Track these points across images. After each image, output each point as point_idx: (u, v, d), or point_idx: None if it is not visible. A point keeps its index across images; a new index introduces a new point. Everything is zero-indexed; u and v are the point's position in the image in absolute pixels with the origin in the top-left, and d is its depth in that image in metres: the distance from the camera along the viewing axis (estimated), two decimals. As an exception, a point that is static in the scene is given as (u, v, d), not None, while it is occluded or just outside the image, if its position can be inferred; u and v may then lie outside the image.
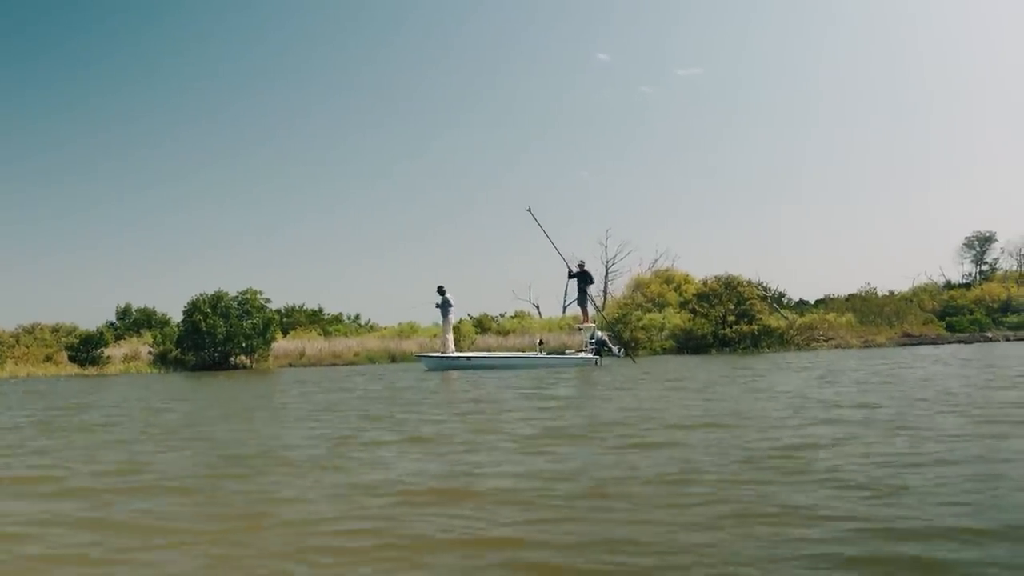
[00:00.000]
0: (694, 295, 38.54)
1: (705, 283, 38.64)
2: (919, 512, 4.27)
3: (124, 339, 39.26)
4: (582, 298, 28.36)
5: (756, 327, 35.29)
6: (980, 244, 57.47)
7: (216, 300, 33.51)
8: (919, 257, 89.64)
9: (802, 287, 78.62)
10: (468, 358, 26.94)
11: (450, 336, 27.66)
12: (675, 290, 43.51)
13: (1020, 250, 56.42)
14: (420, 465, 6.32)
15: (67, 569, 3.94)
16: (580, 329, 28.70)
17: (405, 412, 10.74)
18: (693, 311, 36.92)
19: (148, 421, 10.98)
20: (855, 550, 3.69)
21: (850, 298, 43.17)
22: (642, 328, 36.12)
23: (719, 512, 4.46)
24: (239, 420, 10.83)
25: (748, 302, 36.09)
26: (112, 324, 42.98)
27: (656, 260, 51.18)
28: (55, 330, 41.45)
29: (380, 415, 10.51)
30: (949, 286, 53.34)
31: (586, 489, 5.21)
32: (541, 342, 30.00)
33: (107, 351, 34.18)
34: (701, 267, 75.93)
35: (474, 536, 4.16)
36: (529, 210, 27.98)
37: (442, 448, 7.28)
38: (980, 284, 51.95)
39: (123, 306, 45.59)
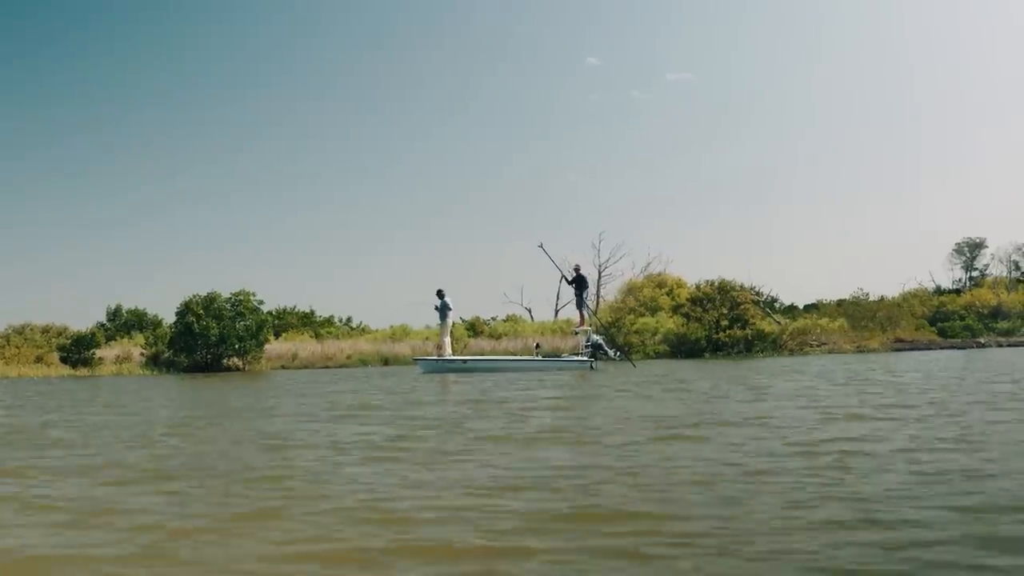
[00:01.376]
0: (688, 299, 38.54)
1: (699, 287, 38.67)
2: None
3: (115, 340, 39.08)
4: (579, 302, 28.48)
5: (749, 332, 35.34)
6: (970, 250, 57.75)
7: (209, 301, 33.33)
8: (909, 263, 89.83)
9: (792, 292, 78.65)
10: (464, 361, 27.06)
11: (447, 339, 27.71)
12: (667, 295, 43.49)
13: (1010, 256, 56.74)
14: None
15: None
16: (576, 332, 28.83)
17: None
18: (687, 315, 36.93)
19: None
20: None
21: (842, 303, 43.20)
22: (636, 332, 36.17)
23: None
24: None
25: (741, 307, 36.15)
26: (103, 325, 42.77)
27: (648, 264, 51.25)
28: (45, 331, 41.17)
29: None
30: (939, 292, 53.57)
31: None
32: (538, 346, 30.17)
33: (98, 352, 33.97)
34: (692, 271, 76.46)
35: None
36: (541, 246, 27.84)
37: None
38: (970, 290, 52.20)
39: (114, 307, 45.50)
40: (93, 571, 3.89)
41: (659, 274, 48.10)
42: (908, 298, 48.32)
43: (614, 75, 73.73)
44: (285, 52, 73.15)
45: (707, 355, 34.22)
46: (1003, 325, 44.45)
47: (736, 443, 6.99)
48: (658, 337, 36.79)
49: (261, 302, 34.47)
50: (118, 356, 34.61)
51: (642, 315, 39.61)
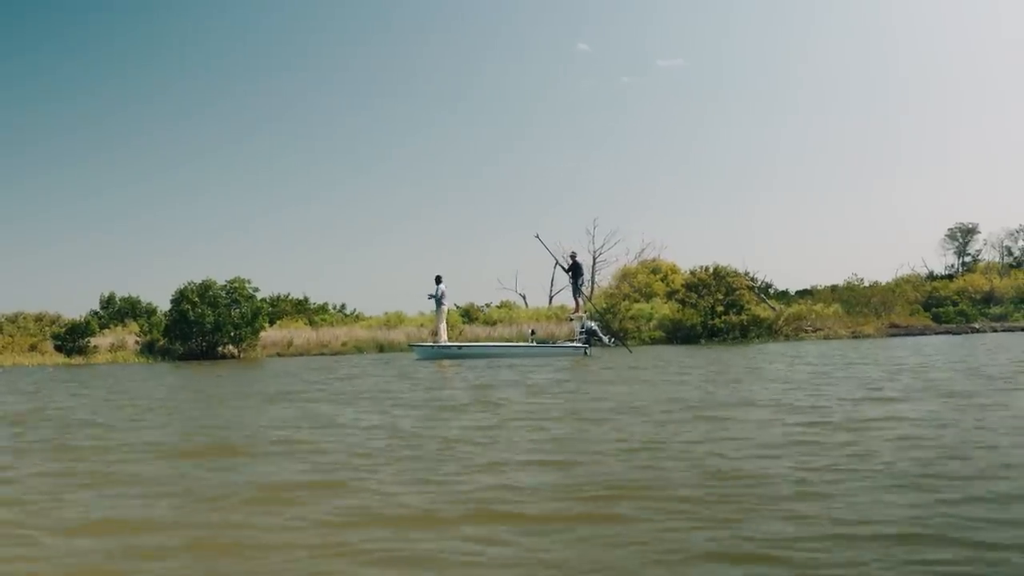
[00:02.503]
0: (683, 285, 38.54)
1: (694, 273, 38.66)
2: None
3: (109, 328, 38.91)
4: (574, 289, 28.67)
5: (745, 317, 35.34)
6: (963, 236, 57.88)
7: (204, 289, 33.20)
8: (902, 248, 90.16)
9: (783, 278, 78.63)
10: (459, 347, 27.29)
11: (443, 326, 27.88)
12: (662, 280, 43.49)
13: (1002, 242, 56.90)
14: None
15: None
16: (571, 319, 28.99)
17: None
18: (682, 301, 36.91)
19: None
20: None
21: (836, 289, 43.23)
22: (631, 318, 36.16)
23: None
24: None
25: (737, 292, 36.17)
26: (96, 313, 42.56)
27: (642, 250, 51.20)
28: (38, 319, 41.07)
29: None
30: (932, 277, 53.70)
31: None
32: (533, 332, 30.26)
33: (93, 340, 33.85)
34: (684, 257, 76.24)
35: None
36: (537, 236, 28.68)
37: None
38: (962, 275, 52.33)
39: (107, 295, 45.31)
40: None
41: (653, 260, 48.10)
42: (901, 283, 48.39)
43: (605, 62, 73.65)
44: (281, 44, 72.92)
45: (703, 341, 34.22)
46: (996, 310, 44.60)
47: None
48: (653, 323, 36.77)
49: (256, 289, 34.38)
50: (112, 344, 34.47)
51: (637, 301, 39.61)
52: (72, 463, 6.86)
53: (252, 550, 4.10)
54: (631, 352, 26.01)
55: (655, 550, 3.92)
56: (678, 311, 36.48)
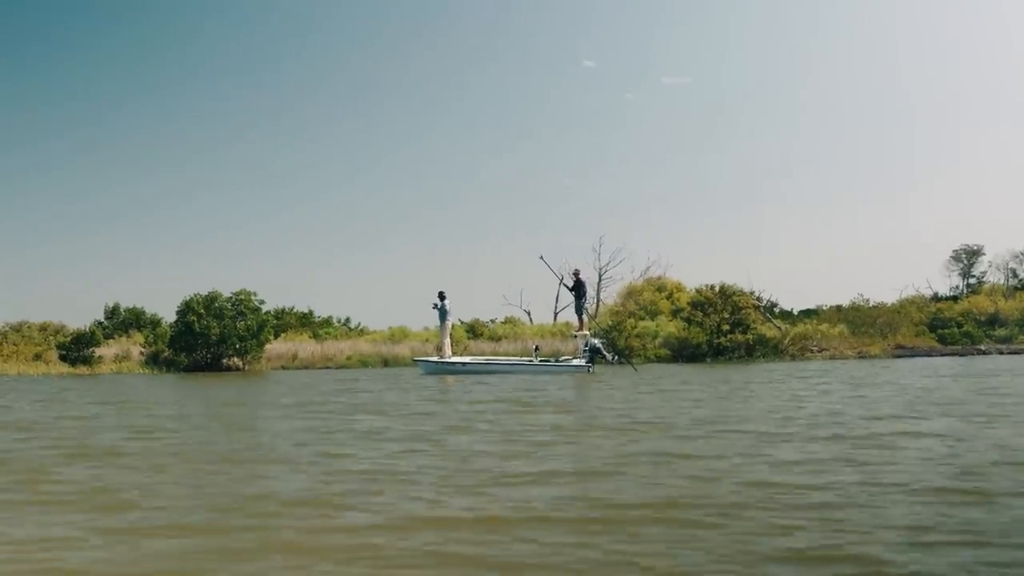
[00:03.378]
0: (689, 303, 38.49)
1: (700, 291, 38.60)
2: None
3: (113, 338, 38.88)
4: (578, 306, 28.93)
5: (751, 336, 35.24)
6: (968, 257, 57.78)
7: (210, 301, 33.18)
8: (906, 269, 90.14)
9: (786, 297, 78.50)
10: (464, 363, 27.40)
11: (447, 341, 28.13)
12: (667, 298, 43.43)
13: (1007, 264, 56.81)
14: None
15: None
16: (576, 336, 29.09)
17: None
18: (688, 320, 36.86)
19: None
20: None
21: (841, 309, 43.13)
22: (637, 336, 36.06)
23: None
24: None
25: (743, 311, 36.09)
26: (100, 323, 42.55)
27: (648, 268, 51.09)
28: (43, 328, 41.04)
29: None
30: (936, 298, 53.54)
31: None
32: (537, 348, 30.29)
33: (98, 351, 33.78)
34: (689, 275, 76.00)
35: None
36: (542, 258, 30.95)
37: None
38: (967, 297, 52.20)
39: (112, 305, 45.26)
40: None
41: (659, 278, 48.02)
42: (905, 304, 48.23)
43: (609, 78, 73.82)
44: (280, 50, 73.02)
45: (708, 360, 34.15)
46: (1000, 332, 44.47)
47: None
48: (658, 341, 36.69)
49: (262, 302, 34.33)
50: (117, 355, 34.43)
51: (642, 319, 39.54)
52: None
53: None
54: (636, 370, 26.00)
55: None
56: (684, 329, 36.41)
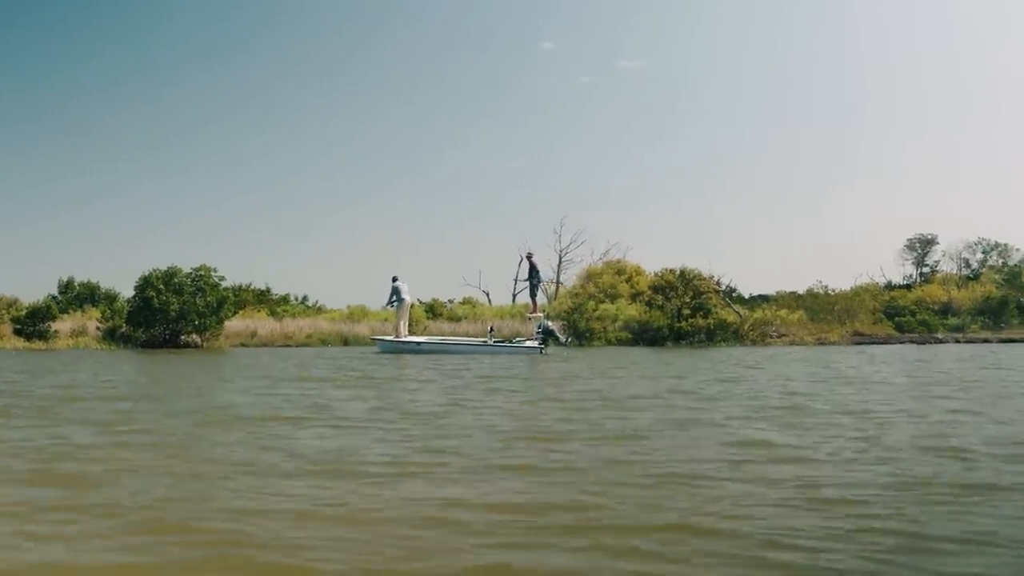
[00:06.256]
0: (650, 287, 38.65)
1: (661, 275, 38.76)
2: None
3: (67, 313, 38.20)
4: (532, 289, 29.53)
5: (712, 321, 35.45)
6: (921, 246, 58.73)
7: (169, 276, 32.65)
8: (860, 257, 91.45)
9: (741, 281, 79.15)
10: (418, 343, 27.76)
11: (402, 322, 28.37)
12: (626, 281, 43.53)
13: (960, 253, 57.77)
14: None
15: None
16: (530, 319, 29.50)
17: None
18: (649, 303, 37.01)
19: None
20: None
21: (799, 296, 43.49)
22: (597, 319, 36.12)
23: None
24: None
25: (704, 295, 36.30)
26: (54, 297, 41.76)
27: (607, 251, 51.20)
28: (-6, 301, 40.18)
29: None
30: (890, 287, 54.28)
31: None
32: (492, 329, 30.55)
33: (54, 325, 33.20)
34: (648, 259, 76.70)
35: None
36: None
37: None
38: (921, 286, 52.98)
39: (66, 279, 44.49)
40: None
41: (618, 261, 48.15)
42: (859, 292, 48.83)
43: (567, 60, 73.84)
44: (242, 33, 72.06)
45: (669, 343, 34.34)
46: (953, 321, 45.18)
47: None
48: (619, 324, 36.76)
49: (222, 278, 33.84)
50: (73, 329, 33.84)
51: (602, 301, 39.60)
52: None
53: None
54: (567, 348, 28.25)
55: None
56: (645, 313, 36.54)
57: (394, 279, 28.34)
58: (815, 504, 5.07)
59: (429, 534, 4.50)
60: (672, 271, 38.11)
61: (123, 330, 32.79)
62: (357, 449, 7.25)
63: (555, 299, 43.95)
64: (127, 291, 33.71)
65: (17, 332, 32.49)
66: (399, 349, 27.24)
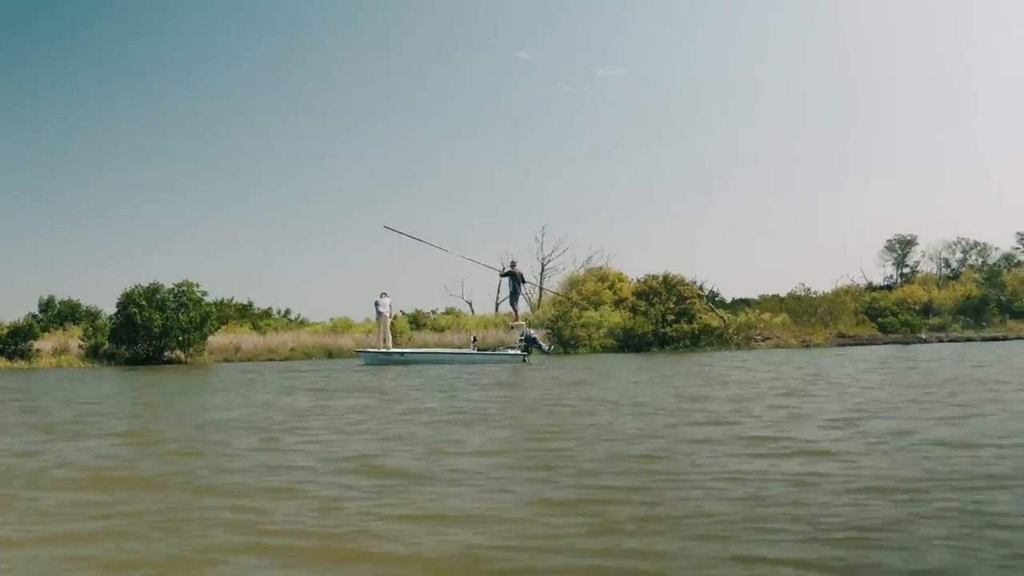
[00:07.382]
0: (634, 293, 38.73)
1: (644, 281, 38.83)
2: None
3: (48, 332, 37.94)
4: (513, 297, 29.83)
5: (696, 326, 35.52)
6: (901, 247, 59.10)
7: (152, 292, 32.41)
8: (841, 258, 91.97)
9: (722, 286, 79.44)
10: (402, 354, 27.98)
11: (386, 335, 29.30)
12: (609, 288, 43.62)
13: (940, 253, 58.17)
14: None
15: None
16: (512, 327, 29.75)
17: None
18: (633, 309, 37.07)
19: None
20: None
21: (783, 299, 43.65)
22: (582, 326, 36.12)
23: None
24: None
25: (688, 301, 36.36)
26: (35, 316, 41.52)
27: (589, 258, 51.35)
28: (-26, 322, 39.82)
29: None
30: (871, 288, 54.60)
31: None
32: (475, 339, 30.66)
33: (35, 344, 32.92)
34: (631, 265, 76.71)
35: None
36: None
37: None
38: (901, 286, 53.34)
39: (46, 298, 44.21)
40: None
41: (601, 268, 48.27)
42: (840, 294, 49.06)
43: (545, 70, 74.06)
44: (224, 48, 72.00)
45: (654, 349, 34.40)
46: (935, 321, 45.48)
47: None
48: (603, 331, 36.76)
49: (205, 293, 33.63)
50: (55, 348, 33.56)
51: (586, 309, 39.63)
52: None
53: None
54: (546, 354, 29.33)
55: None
56: (629, 319, 36.57)
57: (383, 295, 29.39)
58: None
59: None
60: (655, 277, 38.20)
61: (106, 347, 32.53)
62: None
63: (539, 307, 44.03)
64: (108, 309, 33.50)
65: (-1, 352, 32.19)
66: (384, 360, 27.41)
